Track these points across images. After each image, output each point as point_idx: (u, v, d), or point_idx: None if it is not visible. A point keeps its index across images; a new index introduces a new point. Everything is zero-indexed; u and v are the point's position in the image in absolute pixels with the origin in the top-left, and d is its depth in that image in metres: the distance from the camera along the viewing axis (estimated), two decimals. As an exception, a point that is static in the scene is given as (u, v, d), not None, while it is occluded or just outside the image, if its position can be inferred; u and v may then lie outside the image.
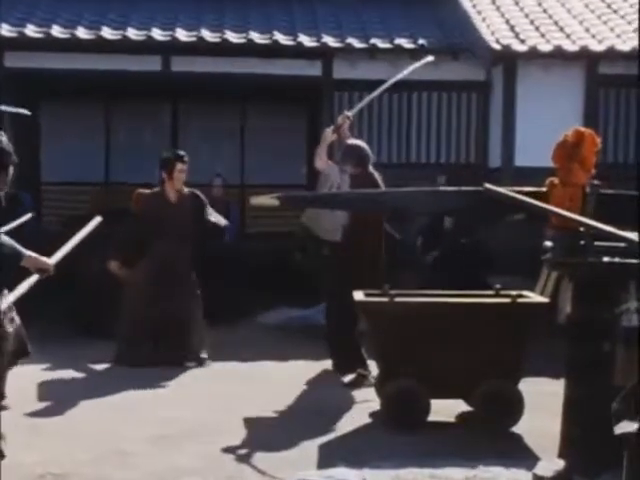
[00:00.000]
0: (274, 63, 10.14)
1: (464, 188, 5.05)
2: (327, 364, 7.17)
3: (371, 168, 7.07)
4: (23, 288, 3.79)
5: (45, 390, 6.34)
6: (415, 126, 10.56)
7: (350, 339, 6.78)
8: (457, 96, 10.53)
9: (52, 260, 4.02)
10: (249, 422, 5.57)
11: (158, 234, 7.47)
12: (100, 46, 9.83)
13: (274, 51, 10.07)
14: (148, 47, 9.93)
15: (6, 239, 3.78)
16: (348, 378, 6.74)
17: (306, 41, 10.12)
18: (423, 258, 8.66)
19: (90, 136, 11.76)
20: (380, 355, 5.57)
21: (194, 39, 9.98)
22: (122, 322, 7.41)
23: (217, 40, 10.00)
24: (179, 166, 7.53)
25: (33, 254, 3.94)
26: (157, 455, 4.88)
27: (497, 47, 9.77)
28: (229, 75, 10.15)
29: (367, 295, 5.68)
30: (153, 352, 7.30)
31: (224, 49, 10.01)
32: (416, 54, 10.12)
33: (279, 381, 6.79)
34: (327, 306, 7.11)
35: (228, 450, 4.97)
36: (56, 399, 6.10)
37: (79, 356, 7.49)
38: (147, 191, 7.86)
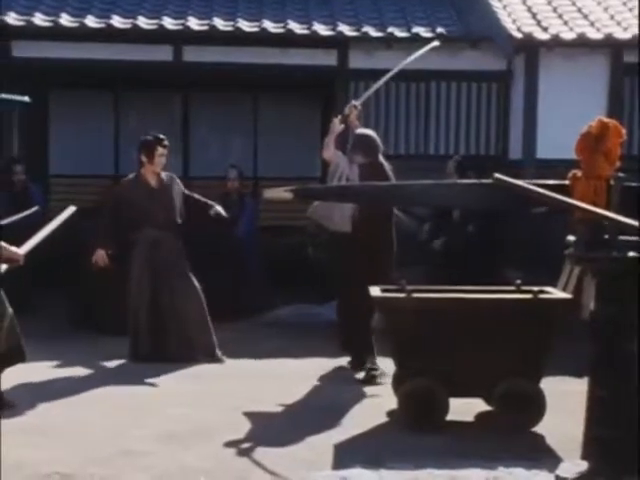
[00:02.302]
0: (288, 53, 10.12)
1: (477, 180, 5.04)
2: (342, 361, 7.16)
3: (381, 158, 7.11)
4: None
5: (51, 388, 6.35)
6: (434, 117, 10.51)
7: (361, 333, 6.81)
8: (477, 86, 10.48)
9: (22, 250, 3.98)
10: (261, 421, 5.56)
11: (144, 221, 7.48)
12: (110, 35, 9.84)
13: (288, 40, 10.05)
14: (159, 36, 9.93)
15: None
16: (360, 374, 6.77)
17: (321, 30, 10.09)
18: (430, 245, 8.60)
19: (99, 127, 11.79)
20: (397, 352, 5.55)
21: (206, 28, 9.97)
22: (127, 318, 7.43)
23: (230, 29, 9.99)
24: (159, 150, 7.56)
25: (2, 243, 3.89)
26: (166, 455, 4.88)
27: (518, 35, 9.72)
28: (242, 65, 10.14)
29: (384, 291, 5.67)
30: (160, 347, 7.33)
31: (237, 38, 9.99)
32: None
33: (292, 379, 6.78)
34: (338, 300, 7.16)
35: (240, 450, 4.97)
36: (63, 397, 6.11)
37: (85, 352, 7.51)
38: (126, 178, 7.86)
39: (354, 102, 7.49)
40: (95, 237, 7.53)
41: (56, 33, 9.81)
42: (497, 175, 4.29)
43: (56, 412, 5.71)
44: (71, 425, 5.42)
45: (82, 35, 9.82)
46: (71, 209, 4.55)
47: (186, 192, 7.87)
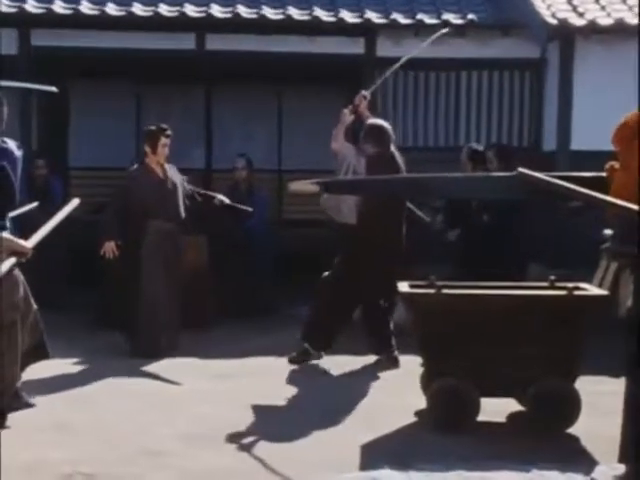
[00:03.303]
0: (314, 41, 10.11)
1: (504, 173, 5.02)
2: (368, 359, 7.16)
3: (393, 149, 7.15)
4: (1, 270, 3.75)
5: (72, 386, 6.39)
6: (464, 107, 10.47)
7: (333, 320, 7.08)
8: (509, 75, 10.43)
9: (29, 243, 4.00)
10: (285, 420, 5.58)
11: (153, 213, 7.57)
12: (131, 23, 9.87)
13: (314, 28, 10.03)
14: (181, 24, 9.95)
15: None
16: (291, 355, 7.09)
17: (348, 17, 10.07)
18: (444, 236, 8.55)
19: (120, 118, 11.84)
20: (426, 350, 5.54)
21: (230, 15, 9.96)
22: (141, 313, 7.50)
23: (254, 16, 9.98)
24: (163, 140, 7.65)
25: (9, 236, 3.91)
26: (189, 455, 4.90)
27: (553, 21, 9.64)
28: (266, 54, 10.14)
29: (412, 287, 5.66)
30: (173, 342, 7.50)
31: (261, 26, 9.99)
32: (465, 30, 10.08)
33: (316, 378, 6.79)
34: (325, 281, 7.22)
35: (264, 450, 4.98)
36: (83, 395, 6.15)
37: (107, 350, 7.56)
38: (132, 169, 7.94)
39: (363, 92, 7.50)
40: (102, 229, 7.60)
41: (76, 21, 9.85)
42: (521, 170, 4.27)
43: (77, 410, 5.74)
44: (93, 424, 5.45)
45: (102, 23, 9.86)
46: (75, 201, 4.58)
47: (189, 186, 7.98)
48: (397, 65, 7.85)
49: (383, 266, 6.96)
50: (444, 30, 8.31)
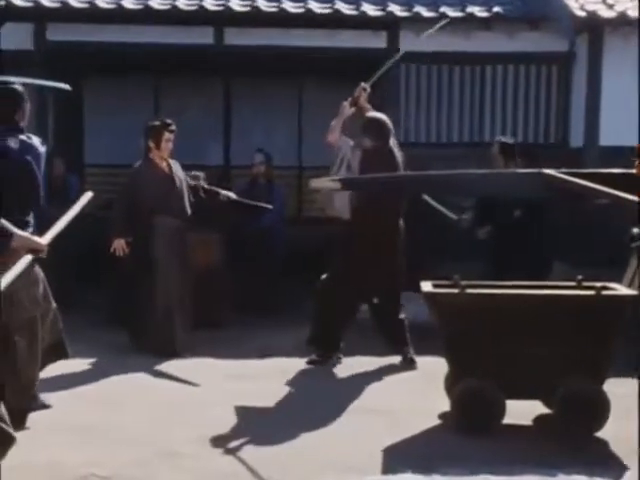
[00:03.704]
0: (335, 35, 10.11)
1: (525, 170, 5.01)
2: (392, 360, 7.16)
3: (392, 144, 7.15)
4: (16, 271, 3.76)
5: (87, 386, 6.42)
6: (489, 102, 10.45)
7: (336, 320, 7.12)
8: (536, 69, 10.40)
9: (44, 240, 4.02)
10: (304, 423, 5.57)
11: (161, 209, 7.63)
12: (148, 17, 9.90)
13: (335, 22, 10.04)
14: (199, 18, 9.97)
15: None
16: (313, 356, 7.16)
17: (370, 10, 10.06)
18: (474, 234, 8.52)
19: (137, 115, 11.84)
20: (450, 351, 5.53)
21: (249, 9, 9.97)
22: (156, 311, 7.56)
23: (274, 10, 9.99)
24: (166, 135, 7.73)
25: (24, 233, 3.94)
26: (205, 457, 4.92)
27: (581, 14, 9.61)
28: (286, 48, 10.15)
29: (435, 286, 5.65)
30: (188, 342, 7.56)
31: (281, 20, 10.00)
32: (490, 23, 10.06)
33: (338, 379, 6.79)
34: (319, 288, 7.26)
35: (284, 454, 4.99)
36: (98, 396, 6.19)
37: (121, 348, 7.59)
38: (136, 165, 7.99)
39: (363, 84, 7.51)
40: (111, 226, 7.65)
41: (92, 16, 9.89)
42: (546, 171, 4.26)
43: (93, 411, 5.77)
44: (108, 425, 5.47)
45: (119, 18, 9.90)
46: (88, 195, 4.60)
47: (192, 182, 8.06)
48: (396, 57, 7.89)
49: (379, 262, 6.99)
50: (443, 22, 8.27)
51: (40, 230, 5.08)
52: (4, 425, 3.51)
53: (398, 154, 7.18)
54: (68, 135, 11.09)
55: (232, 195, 8.09)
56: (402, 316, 7.28)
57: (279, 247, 9.55)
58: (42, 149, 5.25)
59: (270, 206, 8.49)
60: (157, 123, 7.82)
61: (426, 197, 7.85)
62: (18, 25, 9.79)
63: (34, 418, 5.28)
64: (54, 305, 5.42)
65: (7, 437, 3.52)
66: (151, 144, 7.77)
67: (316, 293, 7.25)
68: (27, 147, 5.11)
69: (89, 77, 11.42)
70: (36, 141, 5.22)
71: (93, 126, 11.77)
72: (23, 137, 5.15)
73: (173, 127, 7.78)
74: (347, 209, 7.00)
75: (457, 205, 8.50)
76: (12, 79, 5.38)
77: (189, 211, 7.84)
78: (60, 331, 5.55)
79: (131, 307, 7.80)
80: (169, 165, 7.86)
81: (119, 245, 7.56)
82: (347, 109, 7.33)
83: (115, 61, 10.59)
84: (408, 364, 7.14)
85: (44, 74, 9.47)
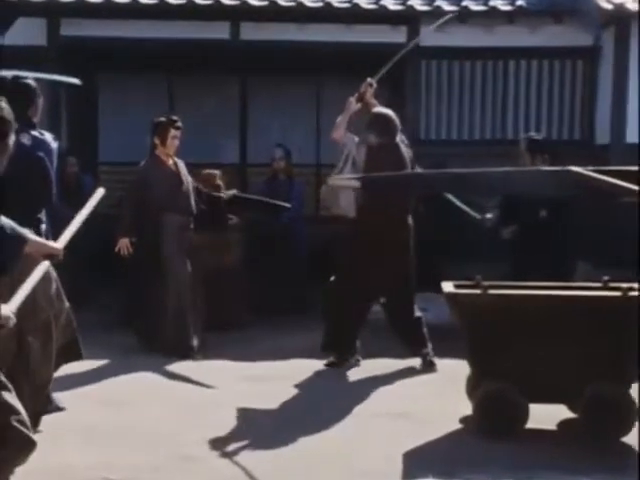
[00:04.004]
0: (354, 29, 10.10)
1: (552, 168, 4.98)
2: (411, 362, 7.13)
3: (399, 139, 7.14)
4: (35, 278, 3.76)
5: (103, 388, 6.44)
6: (512, 98, 10.41)
7: (344, 332, 7.11)
8: (560, 64, 10.34)
9: (60, 243, 4.02)
10: (324, 427, 5.56)
11: (168, 206, 7.69)
12: (163, 12, 9.91)
13: (354, 16, 10.02)
14: (215, 13, 9.97)
15: (6, 221, 3.75)
16: (331, 358, 7.15)
17: (390, 4, 10.04)
18: (499, 233, 8.46)
19: (151, 112, 11.86)
20: (472, 353, 5.51)
21: (266, 3, 9.97)
22: (165, 309, 7.62)
23: (292, 4, 9.98)
24: (172, 132, 7.78)
25: (38, 238, 3.93)
26: (220, 460, 4.93)
27: (608, 6, 9.54)
28: (304, 44, 10.15)
29: (457, 287, 5.63)
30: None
31: (299, 14, 9.99)
32: (513, 17, 10.01)
33: (356, 382, 6.77)
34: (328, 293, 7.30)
35: (300, 458, 4.98)
36: (112, 398, 6.18)
37: (134, 350, 7.60)
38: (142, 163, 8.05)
39: (369, 79, 7.50)
40: (118, 225, 7.69)
41: (107, 11, 9.91)
42: (572, 168, 4.23)
43: (106, 414, 5.78)
44: (120, 427, 5.48)
45: (134, 12, 9.91)
46: (100, 191, 4.60)
47: (199, 186, 8.19)
48: (404, 51, 7.87)
49: (385, 261, 6.96)
50: (447, 16, 8.24)
51: (54, 229, 5.10)
52: (25, 430, 3.52)
53: (405, 150, 7.15)
54: (82, 133, 11.12)
55: (234, 192, 8.12)
56: (418, 314, 7.25)
57: (300, 246, 9.54)
58: (54, 145, 5.26)
59: (288, 205, 8.49)
60: (163, 120, 7.88)
61: (449, 196, 7.81)
62: (31, 20, 9.82)
63: (46, 420, 5.29)
64: (67, 305, 5.43)
65: (29, 442, 3.54)
66: (157, 141, 7.84)
67: (325, 295, 7.24)
68: (39, 143, 5.12)
69: (103, 73, 11.46)
70: (49, 137, 5.23)
71: (107, 123, 11.80)
72: (35, 133, 5.15)
73: (179, 124, 7.84)
74: (353, 207, 6.99)
75: (480, 204, 8.46)
76: (25, 74, 5.39)
77: (194, 209, 7.92)
78: (74, 331, 5.56)
79: (140, 307, 7.84)
80: (175, 163, 7.93)
81: (124, 244, 7.61)
82: (353, 105, 7.33)
83: (129, 57, 10.61)
84: (427, 366, 7.11)
85: (57, 70, 9.49)
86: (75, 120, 10.84)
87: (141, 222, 7.70)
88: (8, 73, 5.47)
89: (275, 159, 9.74)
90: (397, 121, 7.19)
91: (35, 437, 3.64)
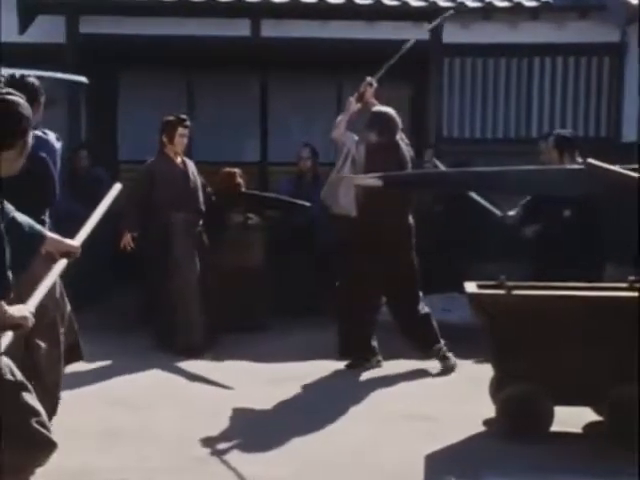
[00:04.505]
0: (376, 26, 10.08)
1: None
2: (433, 363, 7.11)
3: (399, 138, 7.13)
4: (53, 276, 3.76)
5: (119, 389, 6.44)
6: (537, 96, 10.38)
7: (358, 323, 7.09)
8: (586, 60, 10.30)
9: (76, 241, 4.01)
10: (343, 429, 5.56)
11: (177, 204, 7.80)
12: (183, 9, 9.92)
13: (376, 13, 10.00)
14: (236, 10, 9.97)
15: (24, 219, 3.75)
16: (350, 361, 7.12)
17: (412, 1, 10.01)
18: (522, 232, 8.40)
19: (171, 109, 11.87)
20: (496, 355, 5.48)
21: (287, 0, 9.98)
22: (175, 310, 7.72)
23: (313, 1, 9.97)
24: (180, 130, 7.92)
25: (56, 236, 3.93)
26: (239, 463, 4.91)
27: (634, 1, 9.51)
28: (325, 41, 10.14)
29: (480, 287, 5.60)
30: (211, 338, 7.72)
31: (320, 11, 9.98)
32: (538, 13, 9.97)
33: (377, 383, 6.75)
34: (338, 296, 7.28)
35: (321, 461, 4.97)
36: (131, 399, 6.18)
37: (151, 350, 7.61)
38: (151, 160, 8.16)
39: (369, 79, 7.50)
40: (122, 220, 7.74)
41: (126, 8, 9.93)
42: (589, 160, 4.20)
43: (123, 416, 5.78)
44: (139, 430, 5.49)
45: (154, 9, 9.92)
46: (117, 187, 4.58)
47: (208, 189, 8.34)
48: (404, 49, 7.81)
49: (385, 261, 6.96)
50: (447, 13, 8.21)
51: (65, 225, 5.10)
52: (45, 431, 3.54)
53: (405, 149, 7.14)
54: (101, 130, 11.16)
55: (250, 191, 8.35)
56: (426, 311, 7.20)
57: (327, 245, 9.53)
58: (58, 145, 5.25)
59: (307, 203, 8.50)
60: (171, 118, 7.98)
61: (471, 193, 7.78)
62: (50, 18, 9.85)
63: (63, 422, 5.30)
64: (69, 307, 5.43)
65: (49, 443, 3.56)
66: (165, 139, 7.94)
67: (334, 297, 7.24)
68: (42, 143, 5.09)
69: (122, 71, 11.48)
70: (52, 137, 5.20)
71: (127, 122, 11.82)
72: (38, 132, 5.13)
73: (188, 123, 7.97)
74: (353, 206, 6.99)
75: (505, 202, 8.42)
76: (28, 72, 5.37)
77: (203, 208, 8.04)
78: (76, 333, 5.57)
79: (155, 307, 7.90)
80: (183, 161, 8.05)
81: (127, 240, 7.72)
82: (353, 105, 7.34)
83: (149, 55, 10.63)
84: (442, 361, 7.08)
85: (77, 68, 9.54)
86: (94, 118, 10.87)
87: (148, 221, 7.81)
88: (11, 71, 5.45)
89: (302, 158, 9.76)
90: (397, 120, 7.17)
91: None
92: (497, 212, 7.95)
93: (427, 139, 10.23)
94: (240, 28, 10.10)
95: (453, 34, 10.07)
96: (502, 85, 10.41)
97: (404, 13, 10.01)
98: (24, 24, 9.50)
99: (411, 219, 7.16)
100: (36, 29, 9.63)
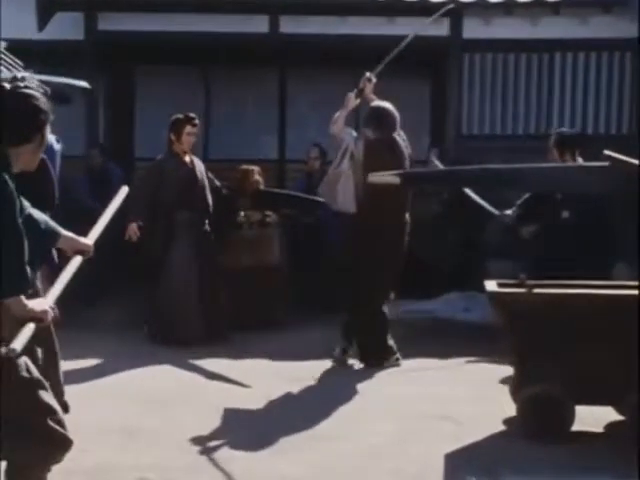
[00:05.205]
0: (395, 22, 10.06)
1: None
2: (458, 363, 7.10)
3: (396, 135, 7.13)
4: (68, 274, 3.78)
5: (138, 388, 6.46)
6: (558, 92, 10.31)
7: (369, 323, 7.10)
8: (608, 56, 10.23)
9: (89, 240, 4.03)
10: (364, 428, 5.55)
11: (183, 202, 7.98)
12: (201, 5, 9.94)
13: (395, 9, 9.97)
14: (254, 6, 9.98)
15: (40, 215, 3.76)
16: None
17: (432, -4, 9.99)
18: (519, 232, 8.33)
19: (189, 107, 11.89)
20: (516, 354, 5.47)
21: (306, -4, 9.98)
22: (162, 301, 7.93)
23: (331, -3, 9.98)
24: (188, 128, 8.06)
25: (70, 234, 3.95)
26: (260, 462, 4.93)
27: (656, -3, 9.45)
28: (344, 37, 10.12)
29: (501, 285, 5.59)
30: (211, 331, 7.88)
31: (339, 7, 9.97)
32: (560, 7, 9.92)
33: (396, 382, 6.75)
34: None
35: (339, 459, 4.98)
36: (143, 396, 6.20)
37: (168, 348, 7.63)
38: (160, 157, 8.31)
39: (368, 74, 7.50)
40: (128, 211, 7.76)
41: (144, 4, 9.96)
42: (607, 152, 4.18)
43: (142, 414, 5.80)
44: (155, 427, 5.50)
45: (171, 5, 9.94)
46: (125, 189, 4.62)
47: (216, 182, 8.50)
48: (403, 44, 7.82)
49: (385, 257, 6.96)
50: (447, 7, 8.19)
51: (81, 221, 5.12)
52: (61, 429, 3.57)
53: (403, 145, 7.13)
54: (118, 128, 11.19)
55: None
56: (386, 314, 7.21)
57: (333, 244, 9.53)
58: (57, 147, 5.26)
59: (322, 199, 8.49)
60: (180, 116, 8.10)
61: (468, 191, 7.72)
62: (69, 15, 9.89)
63: (82, 420, 5.32)
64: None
65: (65, 441, 3.59)
66: (172, 137, 8.07)
67: (346, 304, 7.25)
68: None
69: (140, 68, 11.52)
70: (52, 138, 5.20)
71: (143, 119, 11.86)
72: None
73: (196, 121, 8.11)
74: (351, 203, 7.01)
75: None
76: (27, 74, 5.37)
77: (210, 207, 8.16)
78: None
79: (153, 304, 8.11)
80: (192, 160, 8.18)
81: (132, 230, 7.82)
82: (352, 100, 7.35)
83: (167, 51, 10.65)
84: (338, 362, 7.11)
85: (95, 64, 9.58)
86: (112, 115, 10.91)
87: (154, 218, 7.95)
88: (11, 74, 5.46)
89: (311, 158, 9.80)
90: (396, 116, 7.17)
91: (74, 437, 3.67)
92: (494, 211, 7.90)
93: (445, 136, 10.22)
94: (258, 24, 10.11)
95: (474, 29, 10.04)
96: (522, 81, 10.35)
97: (423, 9, 9.96)
98: (43, 21, 9.54)
99: (407, 217, 7.16)
100: (54, 26, 9.66)
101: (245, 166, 8.96)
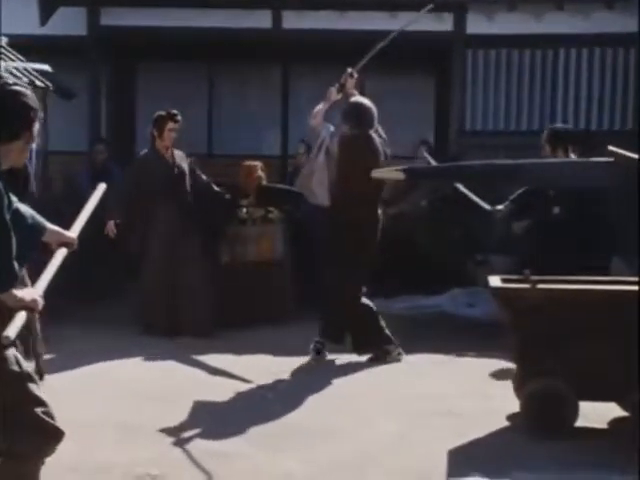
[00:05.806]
0: (398, 17, 10.04)
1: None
2: (460, 358, 7.11)
3: (373, 132, 7.11)
4: (56, 263, 3.81)
5: (138, 383, 6.46)
6: (561, 88, 10.33)
7: (340, 318, 7.14)
8: (612, 51, 10.25)
9: (73, 233, 4.06)
10: (366, 424, 5.55)
11: (163, 198, 8.07)
12: (204, 1, 9.95)
13: (398, 4, 9.98)
14: (257, 1, 10.00)
15: (26, 209, 3.78)
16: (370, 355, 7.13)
17: (434, -9, 9.99)
18: (508, 228, 8.31)
19: (191, 103, 11.94)
20: (520, 349, 5.47)
21: (308, -9, 9.99)
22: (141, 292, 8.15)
23: (334, -8, 9.99)
24: (170, 124, 8.15)
25: (56, 227, 3.98)
26: (260, 457, 4.94)
27: (660, -8, 9.45)
28: (346, 32, 10.14)
29: (505, 281, 5.60)
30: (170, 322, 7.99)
31: (341, 3, 9.99)
32: (564, 3, 9.93)
33: (399, 378, 6.75)
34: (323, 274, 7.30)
35: (341, 454, 4.98)
36: (146, 392, 6.20)
37: (165, 345, 7.63)
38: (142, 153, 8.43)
39: (350, 69, 7.48)
40: (107, 209, 7.80)
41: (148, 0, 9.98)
42: (611, 147, 4.18)
43: (144, 409, 5.80)
44: (152, 422, 5.48)
45: (175, 1, 9.96)
46: (102, 186, 4.66)
47: (198, 173, 8.52)
48: (387, 39, 7.74)
49: (357, 251, 6.95)
50: (429, 6, 8.19)
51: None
52: (52, 421, 3.58)
53: (379, 142, 7.10)
54: (120, 124, 11.20)
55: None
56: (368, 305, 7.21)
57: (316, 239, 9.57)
58: (32, 144, 5.28)
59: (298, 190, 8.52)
60: (162, 113, 8.18)
61: (460, 186, 7.72)
62: (71, 10, 9.91)
63: (83, 416, 5.34)
64: None
65: (56, 432, 3.60)
66: (155, 133, 8.18)
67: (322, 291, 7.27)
68: None
69: (143, 63, 11.53)
70: None
71: (145, 115, 11.85)
72: None
73: (179, 118, 8.18)
74: (325, 197, 7.07)
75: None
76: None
77: (190, 202, 8.24)
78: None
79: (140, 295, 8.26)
80: (173, 155, 8.26)
81: (110, 227, 7.95)
82: (334, 95, 7.35)
83: (169, 46, 10.67)
84: (315, 357, 7.13)
85: (97, 60, 9.59)
86: (114, 110, 10.91)
87: (133, 214, 8.06)
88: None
89: (298, 154, 9.92)
90: (374, 112, 7.14)
91: (69, 432, 3.68)
92: (486, 206, 7.89)
93: (448, 132, 10.24)
94: (261, 20, 10.12)
95: (477, 25, 10.06)
96: (526, 77, 10.37)
97: (425, 3, 9.96)
98: (45, 16, 9.56)
99: (380, 212, 7.16)
100: (57, 21, 9.68)
101: (248, 162, 8.97)
